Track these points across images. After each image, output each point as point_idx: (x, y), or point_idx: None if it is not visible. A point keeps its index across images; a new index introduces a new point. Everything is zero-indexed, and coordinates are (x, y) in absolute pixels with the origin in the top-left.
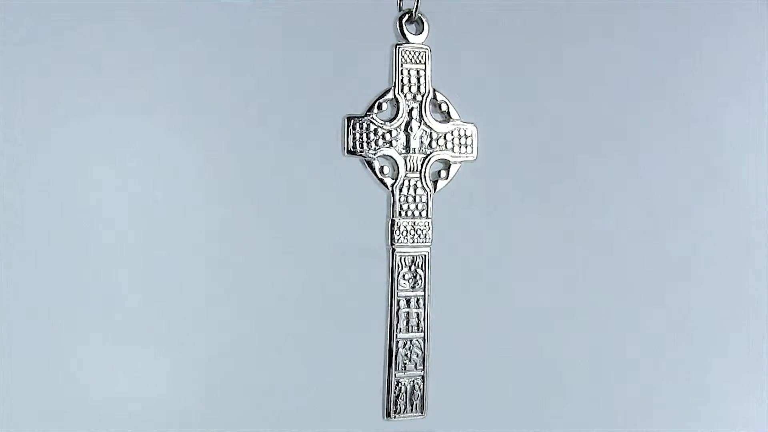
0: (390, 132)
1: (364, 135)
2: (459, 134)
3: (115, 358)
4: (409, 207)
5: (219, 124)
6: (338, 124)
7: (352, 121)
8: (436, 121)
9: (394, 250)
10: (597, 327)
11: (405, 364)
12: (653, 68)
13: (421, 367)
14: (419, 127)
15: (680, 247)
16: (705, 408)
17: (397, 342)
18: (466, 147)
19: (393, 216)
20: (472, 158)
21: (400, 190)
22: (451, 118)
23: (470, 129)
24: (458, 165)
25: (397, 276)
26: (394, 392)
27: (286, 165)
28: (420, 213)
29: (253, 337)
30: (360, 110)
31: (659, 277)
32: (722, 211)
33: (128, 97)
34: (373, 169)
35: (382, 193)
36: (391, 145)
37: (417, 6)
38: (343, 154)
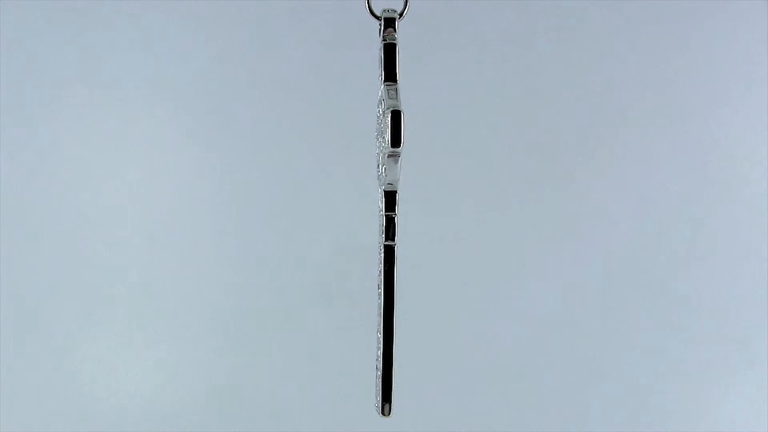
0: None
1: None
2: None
3: (116, 356)
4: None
5: (216, 127)
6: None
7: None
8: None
9: (394, 246)
10: (595, 326)
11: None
12: (653, 68)
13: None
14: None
15: (679, 246)
16: (705, 408)
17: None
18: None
19: (395, 213)
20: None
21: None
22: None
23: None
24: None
25: (396, 273)
26: (394, 388)
27: (279, 166)
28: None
29: (251, 335)
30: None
31: (658, 276)
32: (722, 211)
33: (127, 101)
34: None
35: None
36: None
37: (406, 7)
38: (394, 147)
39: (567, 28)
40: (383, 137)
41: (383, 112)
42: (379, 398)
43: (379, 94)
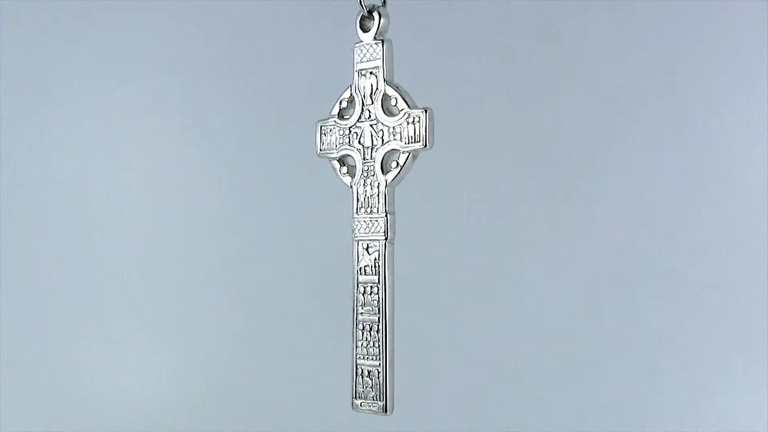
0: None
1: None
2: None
3: (116, 355)
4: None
5: (210, 130)
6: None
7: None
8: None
9: (393, 243)
10: (595, 327)
11: None
12: (655, 69)
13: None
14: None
15: (680, 246)
16: (705, 407)
17: None
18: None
19: (393, 210)
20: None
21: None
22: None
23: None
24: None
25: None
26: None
27: (274, 166)
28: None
29: (250, 335)
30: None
31: (659, 276)
32: (722, 212)
33: (122, 103)
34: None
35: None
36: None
37: (384, 3)
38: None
39: (568, 30)
40: (386, 136)
41: (399, 111)
42: (377, 398)
43: (350, 90)
